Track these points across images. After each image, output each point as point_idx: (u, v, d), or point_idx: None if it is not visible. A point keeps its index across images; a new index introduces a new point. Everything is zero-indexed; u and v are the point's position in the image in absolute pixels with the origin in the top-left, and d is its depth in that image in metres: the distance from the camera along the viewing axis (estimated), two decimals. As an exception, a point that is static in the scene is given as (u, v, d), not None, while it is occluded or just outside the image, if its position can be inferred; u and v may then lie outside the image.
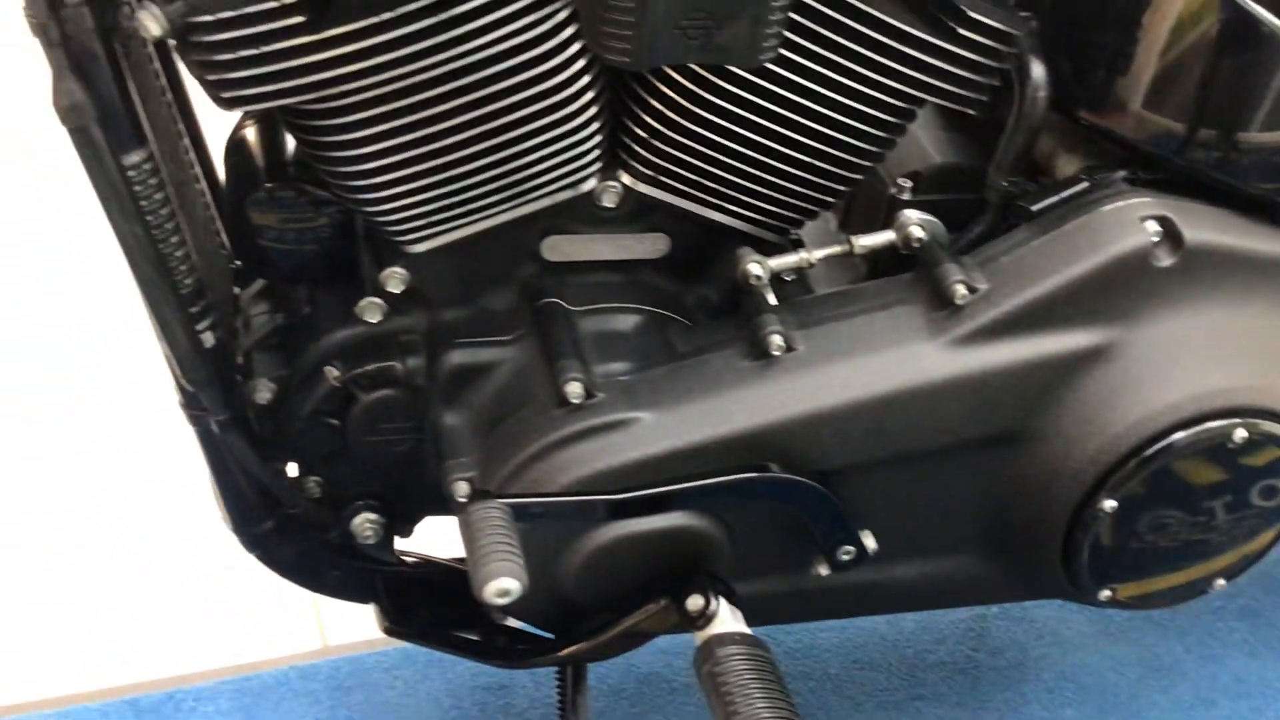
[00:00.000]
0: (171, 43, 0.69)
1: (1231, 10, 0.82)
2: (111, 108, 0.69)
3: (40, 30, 0.65)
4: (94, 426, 1.51)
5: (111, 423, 1.51)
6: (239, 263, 0.88)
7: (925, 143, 0.94)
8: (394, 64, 0.70)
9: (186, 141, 0.83)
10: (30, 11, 0.64)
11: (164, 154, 0.75)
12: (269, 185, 0.80)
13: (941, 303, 0.85)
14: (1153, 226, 0.86)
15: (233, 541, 0.94)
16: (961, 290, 0.84)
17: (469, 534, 0.75)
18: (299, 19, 0.67)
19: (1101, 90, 0.89)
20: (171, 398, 0.84)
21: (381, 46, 0.69)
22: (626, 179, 0.82)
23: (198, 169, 0.87)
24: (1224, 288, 0.89)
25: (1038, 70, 0.86)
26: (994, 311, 0.84)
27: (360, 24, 0.68)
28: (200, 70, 0.68)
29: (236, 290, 0.90)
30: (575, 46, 0.72)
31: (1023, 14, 0.85)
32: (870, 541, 0.89)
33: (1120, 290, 0.86)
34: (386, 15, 0.68)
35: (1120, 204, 0.87)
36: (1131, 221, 0.86)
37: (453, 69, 0.71)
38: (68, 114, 0.66)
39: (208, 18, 0.66)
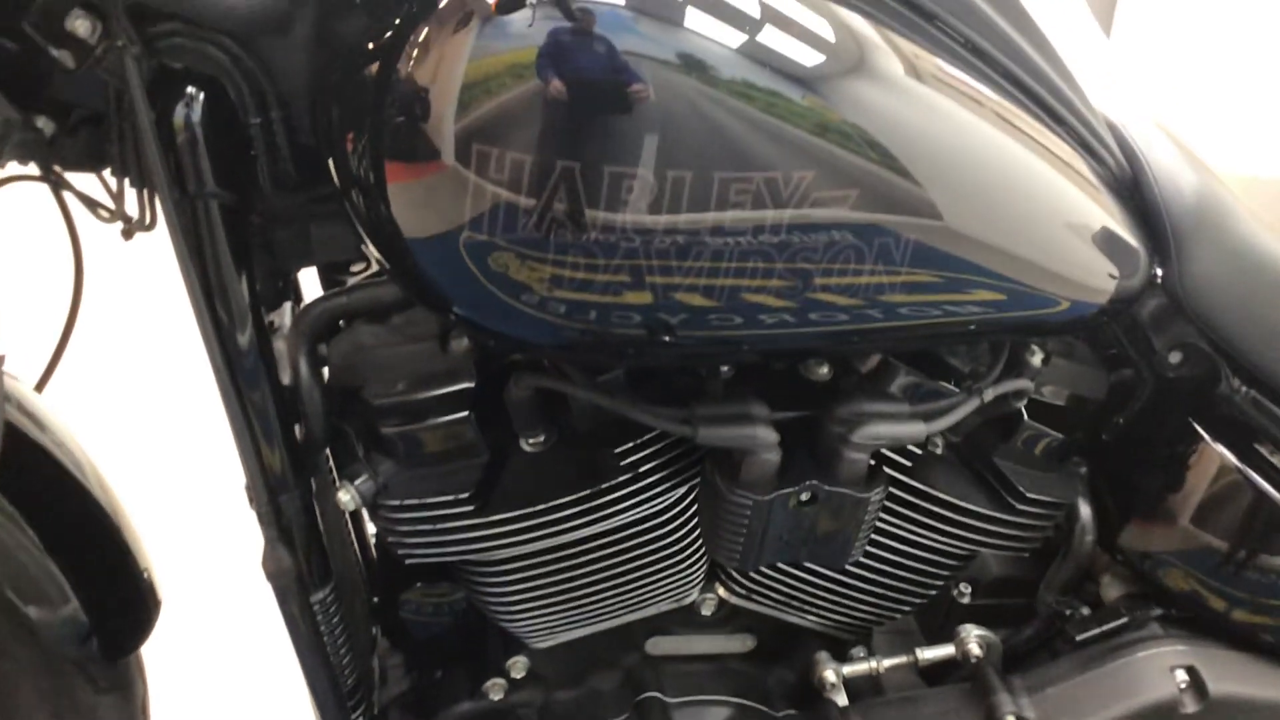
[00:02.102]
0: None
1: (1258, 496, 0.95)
2: (310, 561, 0.86)
3: (261, 513, 0.83)
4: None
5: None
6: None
7: (984, 553, 1.07)
8: (543, 537, 0.87)
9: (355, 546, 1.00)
10: (252, 495, 0.82)
11: (340, 575, 0.90)
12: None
13: None
14: (1181, 675, 0.97)
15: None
16: None
17: None
18: (468, 508, 0.85)
19: (1143, 533, 1.01)
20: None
21: (534, 526, 0.86)
22: (723, 592, 0.99)
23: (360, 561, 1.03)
24: None
25: (1085, 513, 0.99)
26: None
27: (519, 512, 0.85)
28: (382, 527, 0.87)
29: (375, 631, 1.04)
30: (691, 511, 0.89)
31: (1075, 461, 0.99)
32: None
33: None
34: (541, 505, 0.85)
35: (1154, 650, 0.99)
36: (1163, 670, 0.97)
37: (589, 534, 0.88)
38: (274, 577, 0.84)
39: (394, 502, 0.85)
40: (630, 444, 0.85)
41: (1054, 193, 0.78)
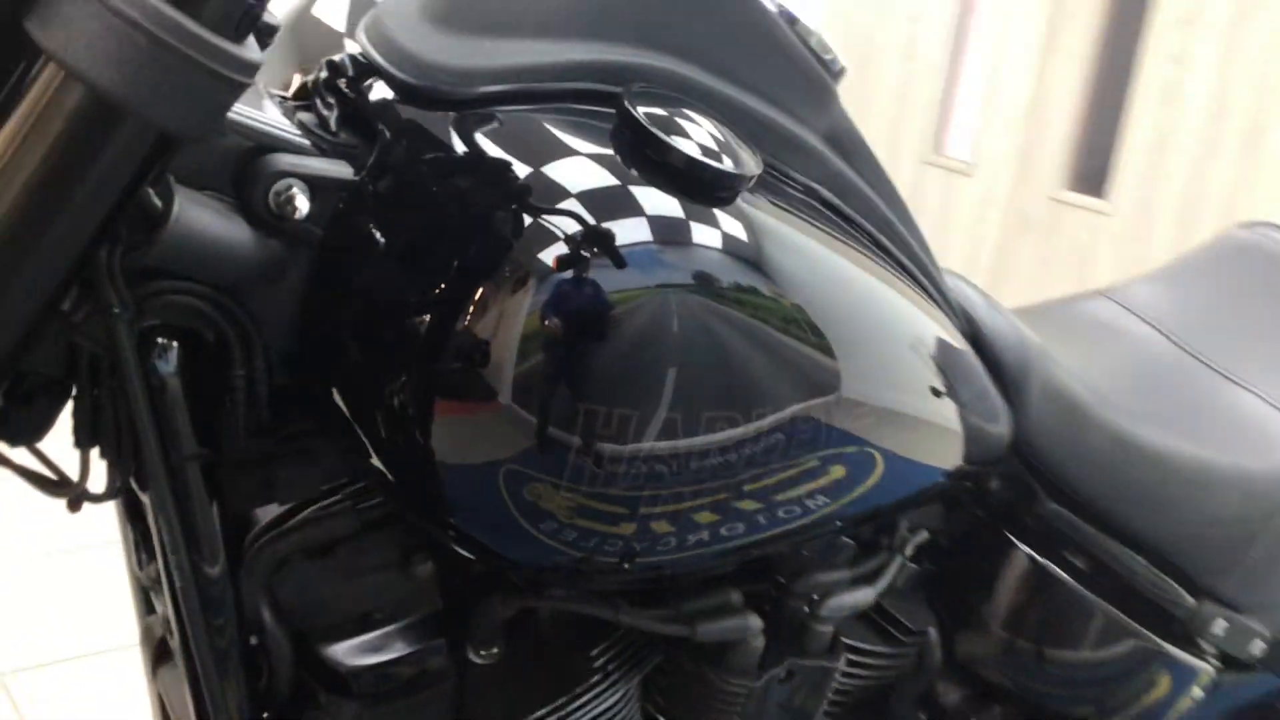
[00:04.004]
0: None
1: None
2: None
3: None
4: None
5: None
6: None
7: None
8: None
9: None
10: None
11: None
12: None
13: None
14: None
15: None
16: None
17: None
18: None
19: (970, 641, 1.15)
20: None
21: None
22: None
23: None
24: None
25: (933, 632, 1.13)
26: None
27: None
28: None
29: None
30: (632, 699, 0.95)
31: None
32: None
33: None
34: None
35: None
36: None
37: None
38: None
39: None
40: (602, 645, 0.90)
41: (931, 354, 0.88)
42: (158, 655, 0.93)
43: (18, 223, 0.53)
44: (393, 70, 0.74)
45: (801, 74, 0.82)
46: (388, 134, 0.72)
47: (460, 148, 0.72)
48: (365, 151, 0.73)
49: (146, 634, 0.95)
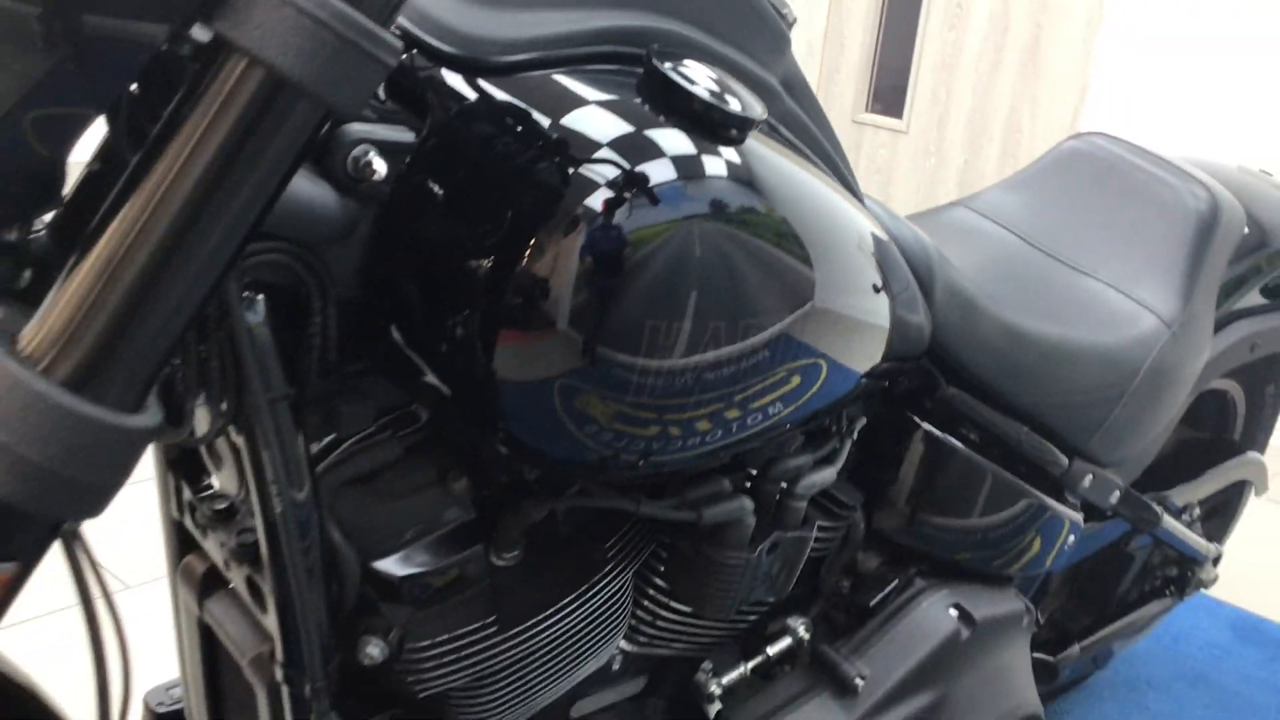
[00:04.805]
0: None
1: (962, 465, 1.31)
2: None
3: (315, 686, 0.88)
4: None
5: None
6: None
7: None
8: (549, 637, 1.01)
9: None
10: (293, 666, 0.86)
11: None
12: None
13: (844, 689, 1.26)
14: (953, 612, 1.31)
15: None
16: (857, 680, 1.25)
17: None
18: (492, 630, 0.96)
19: (888, 513, 1.34)
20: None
21: (545, 629, 0.99)
22: (627, 646, 1.19)
23: None
24: (995, 643, 1.36)
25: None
26: (879, 691, 1.27)
27: (533, 619, 0.98)
28: (403, 670, 0.96)
29: None
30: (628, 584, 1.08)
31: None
32: None
33: (943, 660, 1.31)
34: (550, 609, 0.98)
35: (928, 599, 1.32)
36: (941, 612, 1.31)
37: (579, 622, 1.03)
38: None
39: (424, 643, 0.94)
40: (611, 539, 1.02)
41: (871, 251, 1.01)
42: (204, 588, 1.00)
43: (207, 198, 0.61)
44: (435, 43, 0.82)
45: (767, 27, 0.94)
46: (438, 101, 0.81)
47: (505, 108, 0.81)
48: (417, 117, 0.81)
49: (187, 572, 1.02)
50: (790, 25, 0.97)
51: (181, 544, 1.03)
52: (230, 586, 0.99)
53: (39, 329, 0.62)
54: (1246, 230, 1.58)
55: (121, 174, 0.63)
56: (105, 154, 0.68)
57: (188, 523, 1.00)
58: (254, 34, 0.59)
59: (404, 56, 0.82)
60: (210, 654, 1.05)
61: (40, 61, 0.60)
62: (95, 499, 0.64)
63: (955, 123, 3.88)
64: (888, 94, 4.10)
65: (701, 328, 0.84)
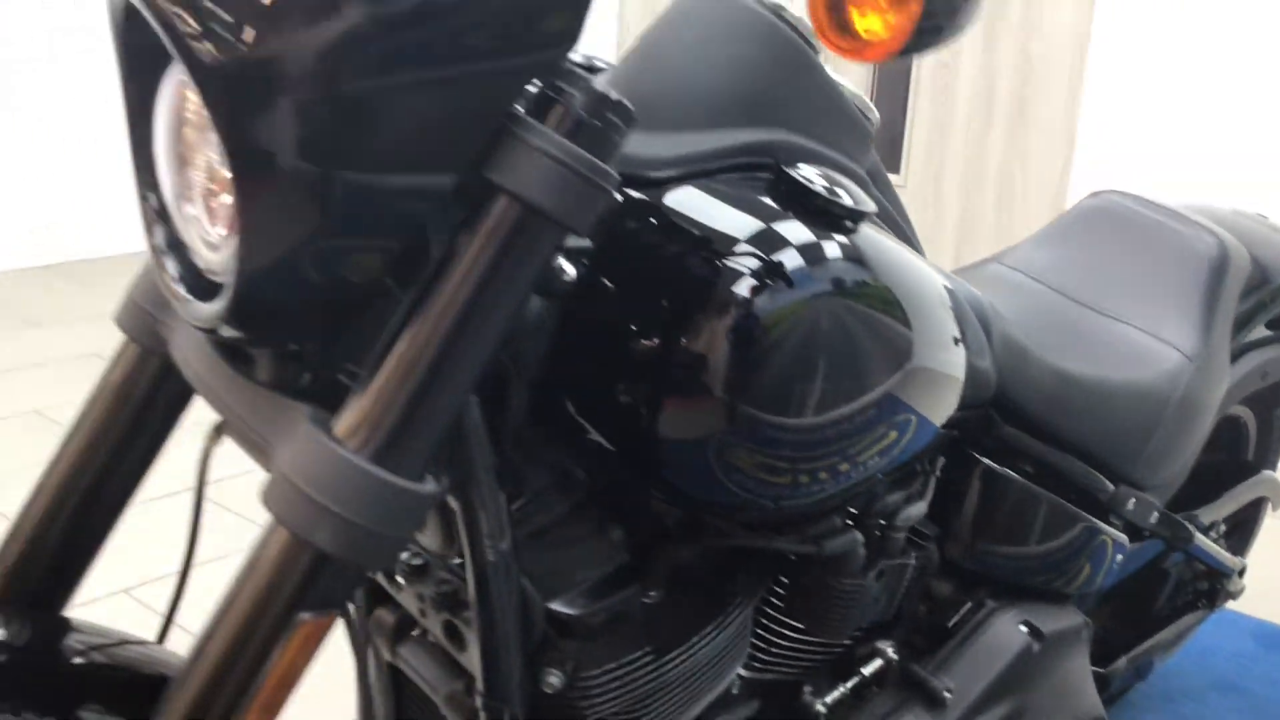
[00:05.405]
0: None
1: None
2: None
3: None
4: None
5: None
6: None
7: None
8: (692, 662, 1.15)
9: None
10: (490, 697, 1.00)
11: None
12: None
13: (934, 703, 1.41)
14: (1023, 628, 1.47)
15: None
16: (945, 694, 1.40)
17: None
18: (652, 656, 1.10)
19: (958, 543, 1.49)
20: None
21: (693, 655, 1.13)
22: (744, 672, 1.33)
23: None
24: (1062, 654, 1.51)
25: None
26: (964, 703, 1.41)
27: (687, 644, 1.13)
28: (575, 698, 1.08)
29: None
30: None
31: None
32: None
33: (1018, 672, 1.46)
34: (698, 635, 1.12)
35: (1000, 618, 1.47)
36: (1012, 629, 1.46)
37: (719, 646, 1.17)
38: None
39: (594, 671, 1.07)
40: (751, 567, 1.17)
41: (950, 305, 1.15)
42: (396, 636, 1.15)
43: (478, 308, 0.78)
44: None
45: (856, 128, 1.12)
46: (609, 212, 0.98)
47: (663, 215, 0.98)
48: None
49: (379, 622, 1.17)
50: (874, 126, 1.14)
51: (371, 598, 1.18)
52: (417, 633, 1.14)
53: (351, 417, 0.78)
54: (1250, 269, 1.76)
55: (407, 290, 0.80)
56: (390, 273, 0.84)
57: (379, 578, 1.15)
58: (517, 178, 0.76)
59: None
60: (398, 695, 1.20)
61: (357, 206, 0.76)
62: (393, 551, 0.80)
63: (950, 177, 4.09)
64: (884, 148, 4.31)
65: (829, 389, 1.00)
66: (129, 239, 4.35)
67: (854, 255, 1.01)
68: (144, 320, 0.96)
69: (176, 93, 0.82)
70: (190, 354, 0.90)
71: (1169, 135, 3.52)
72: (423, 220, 0.79)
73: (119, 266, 4.06)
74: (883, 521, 1.24)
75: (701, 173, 1.00)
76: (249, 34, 0.71)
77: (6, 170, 4.18)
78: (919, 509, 1.28)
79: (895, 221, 1.20)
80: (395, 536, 0.78)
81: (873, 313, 1.02)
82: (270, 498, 0.78)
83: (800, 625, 1.24)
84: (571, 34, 0.79)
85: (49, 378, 3.40)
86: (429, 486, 0.80)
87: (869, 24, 0.81)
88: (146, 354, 0.97)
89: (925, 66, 4.08)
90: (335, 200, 0.75)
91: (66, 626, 0.98)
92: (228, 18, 0.72)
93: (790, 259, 0.97)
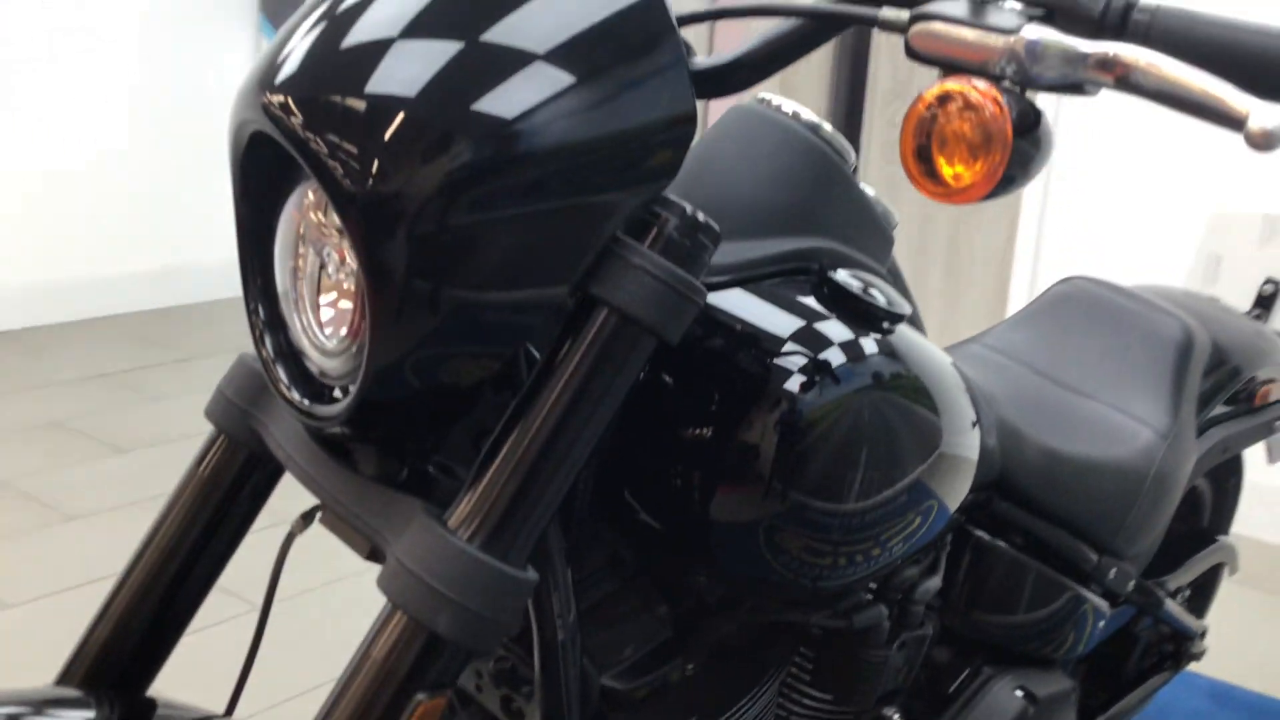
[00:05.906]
0: None
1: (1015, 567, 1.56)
2: None
3: None
4: None
5: None
6: None
7: None
8: None
9: None
10: None
11: None
12: None
13: None
14: (1019, 693, 1.55)
15: None
16: None
17: None
18: None
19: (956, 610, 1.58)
20: None
21: None
22: None
23: None
24: (1059, 718, 1.60)
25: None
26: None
27: (728, 713, 1.22)
28: None
29: None
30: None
31: None
32: None
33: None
34: (740, 702, 1.21)
35: (998, 683, 1.56)
36: (1009, 694, 1.55)
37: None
38: None
39: None
40: (781, 640, 1.25)
41: (964, 389, 1.24)
42: (449, 713, 1.20)
43: (580, 412, 0.85)
44: None
45: (880, 233, 1.21)
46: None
47: (719, 318, 1.06)
48: None
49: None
50: (894, 229, 1.24)
51: None
52: (469, 712, 1.20)
53: (464, 510, 0.85)
54: (1210, 350, 1.88)
55: (500, 394, 0.87)
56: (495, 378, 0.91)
57: None
58: (618, 293, 0.84)
59: None
60: None
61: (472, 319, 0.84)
62: (499, 634, 0.86)
63: (898, 248, 4.23)
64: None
65: (871, 476, 1.08)
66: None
67: (890, 351, 1.10)
68: (235, 414, 1.02)
69: (296, 214, 0.89)
70: (292, 449, 0.96)
71: (1106, 210, 3.69)
72: (532, 330, 0.87)
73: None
74: (902, 595, 1.32)
75: (751, 278, 1.08)
76: (374, 167, 0.79)
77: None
78: (934, 583, 1.36)
79: (915, 318, 1.29)
80: (503, 621, 0.85)
81: (908, 403, 1.11)
82: (388, 585, 0.84)
83: (827, 695, 1.32)
84: (674, 167, 0.87)
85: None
86: (531, 574, 0.87)
87: (956, 171, 0.91)
88: (234, 446, 1.03)
89: (875, 125, 4.24)
90: (452, 313, 0.82)
91: (153, 706, 1.02)
92: (354, 150, 0.79)
93: (835, 357, 1.06)
